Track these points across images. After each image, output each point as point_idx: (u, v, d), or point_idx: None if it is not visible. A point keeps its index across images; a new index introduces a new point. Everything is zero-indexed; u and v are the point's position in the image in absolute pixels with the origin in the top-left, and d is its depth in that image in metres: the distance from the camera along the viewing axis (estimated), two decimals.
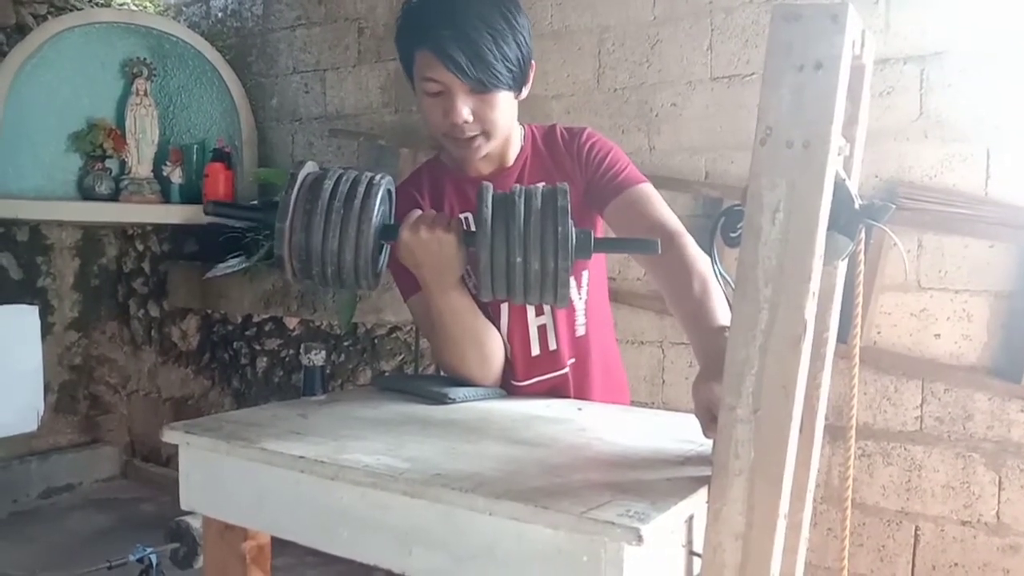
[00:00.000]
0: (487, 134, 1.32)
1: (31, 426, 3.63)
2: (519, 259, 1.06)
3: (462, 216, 1.39)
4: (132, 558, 2.45)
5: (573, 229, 1.07)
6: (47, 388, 3.74)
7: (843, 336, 1.05)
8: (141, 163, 3.56)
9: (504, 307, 1.38)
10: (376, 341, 3.25)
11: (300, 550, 1.07)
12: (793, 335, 0.79)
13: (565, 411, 1.28)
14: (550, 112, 2.81)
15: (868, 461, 2.30)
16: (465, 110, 1.28)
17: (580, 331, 1.43)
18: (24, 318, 3.58)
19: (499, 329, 1.38)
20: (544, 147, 1.43)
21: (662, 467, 0.97)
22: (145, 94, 3.57)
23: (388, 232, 1.18)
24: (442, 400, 1.29)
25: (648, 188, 1.36)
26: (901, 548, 2.27)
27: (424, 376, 2.21)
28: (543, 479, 0.90)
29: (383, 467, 0.93)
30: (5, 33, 3.57)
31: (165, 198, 3.58)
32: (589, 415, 1.26)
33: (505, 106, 1.31)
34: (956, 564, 2.19)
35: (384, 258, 1.23)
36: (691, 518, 0.90)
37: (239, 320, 3.65)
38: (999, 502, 2.14)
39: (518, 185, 1.14)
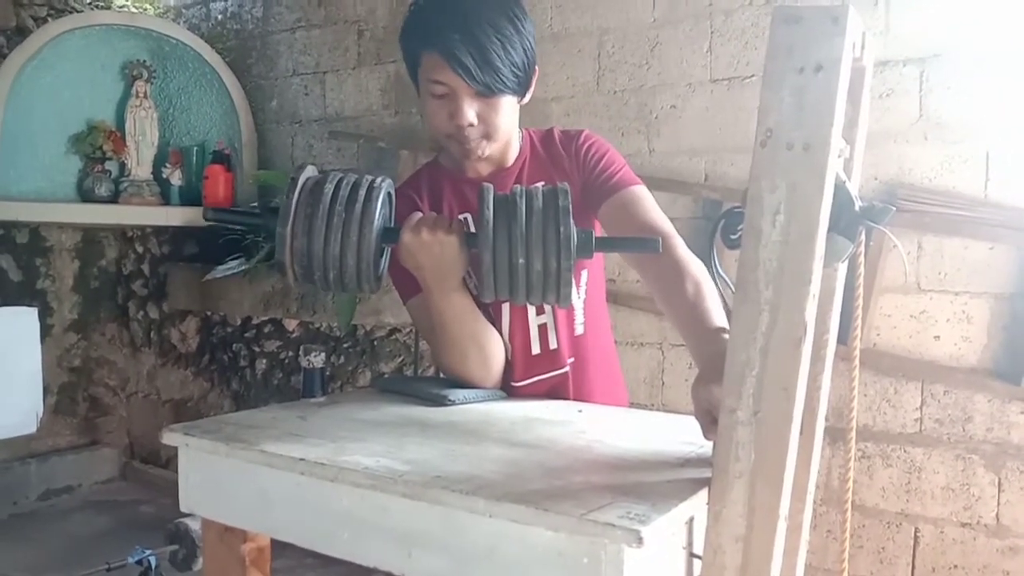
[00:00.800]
0: (490, 137, 1.32)
1: (30, 428, 3.63)
2: (521, 260, 1.06)
3: (461, 217, 1.40)
4: (131, 560, 2.45)
5: (574, 228, 1.08)
6: (46, 390, 3.74)
7: (843, 338, 1.05)
8: (141, 165, 3.56)
9: (505, 307, 1.38)
10: (375, 343, 3.25)
11: (300, 552, 1.07)
12: (793, 337, 0.79)
13: (565, 413, 1.28)
14: (550, 114, 2.81)
15: (868, 463, 2.30)
16: (470, 113, 1.28)
17: (579, 330, 1.43)
18: (23, 320, 3.58)
19: (500, 328, 1.38)
20: (542, 149, 1.43)
21: (662, 469, 0.97)
22: (145, 96, 3.57)
23: (389, 235, 1.18)
24: (442, 402, 1.29)
25: (641, 190, 1.36)
26: (901, 550, 2.27)
27: (424, 378, 2.21)
28: (543, 481, 0.90)
29: (383, 469, 0.93)
30: (5, 35, 3.57)
31: (165, 200, 3.58)
32: (589, 417, 1.26)
33: (508, 110, 1.32)
34: (956, 566, 2.19)
35: (385, 261, 1.22)
36: (691, 520, 0.90)
37: (238, 322, 3.65)
38: (999, 504, 2.14)
39: (518, 185, 1.14)
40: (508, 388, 1.41)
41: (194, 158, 3.65)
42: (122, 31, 3.55)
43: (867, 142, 1.07)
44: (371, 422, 1.19)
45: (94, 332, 3.98)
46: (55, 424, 3.83)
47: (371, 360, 3.26)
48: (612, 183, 1.36)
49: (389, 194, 1.20)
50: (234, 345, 3.69)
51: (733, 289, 0.82)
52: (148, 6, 4.06)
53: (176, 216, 3.55)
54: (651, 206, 1.34)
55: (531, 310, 1.39)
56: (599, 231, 1.43)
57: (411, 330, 3.12)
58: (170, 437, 1.12)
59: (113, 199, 3.51)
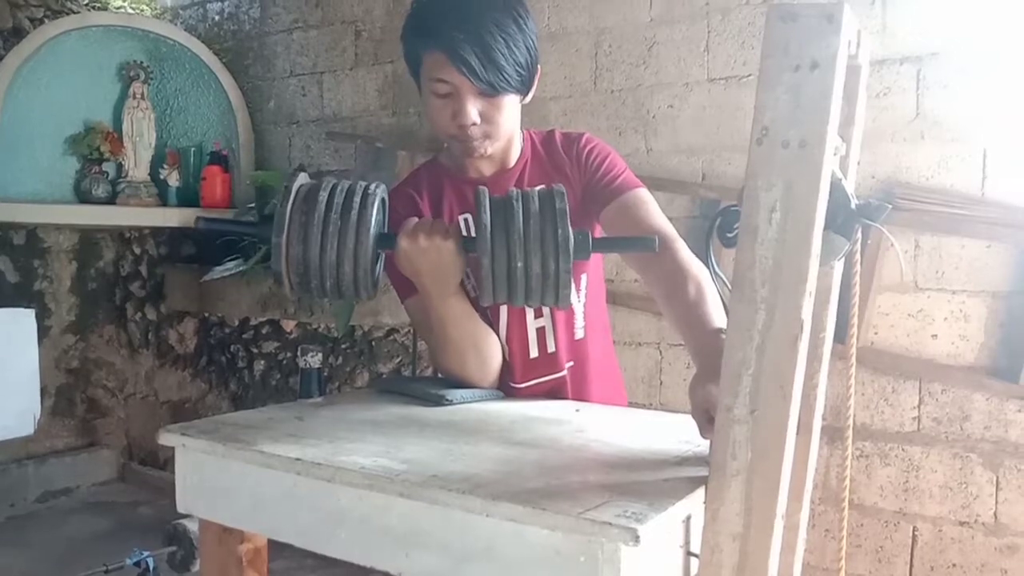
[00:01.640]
0: (493, 136, 1.32)
1: (28, 430, 3.62)
2: (520, 263, 1.06)
3: (461, 217, 1.39)
4: (129, 561, 2.45)
5: (572, 230, 1.07)
6: (44, 392, 3.73)
7: (841, 336, 1.06)
8: (138, 166, 3.56)
9: (503, 310, 1.38)
10: (373, 343, 3.25)
11: (297, 553, 1.07)
12: (790, 335, 0.79)
13: (563, 412, 1.28)
14: (547, 114, 2.81)
15: (866, 462, 2.31)
16: (473, 112, 1.28)
17: (579, 334, 1.43)
18: (21, 321, 3.57)
19: (498, 332, 1.38)
20: (543, 151, 1.43)
21: (659, 468, 0.96)
22: (142, 97, 3.57)
23: (386, 241, 1.17)
24: (439, 402, 1.29)
25: (643, 193, 1.36)
26: (899, 549, 2.27)
27: (422, 378, 2.21)
28: (540, 480, 0.90)
29: (380, 469, 0.93)
30: (2, 37, 3.57)
31: (162, 201, 3.57)
32: (587, 416, 1.26)
33: (511, 109, 1.31)
34: (954, 564, 2.19)
35: (381, 267, 1.22)
36: (688, 519, 0.90)
37: (236, 323, 3.65)
38: (997, 502, 2.14)
39: (515, 188, 1.14)
40: (507, 390, 1.41)
41: (191, 159, 3.65)
42: (119, 32, 3.55)
43: (864, 141, 1.07)
44: (369, 422, 1.19)
45: (92, 333, 3.97)
46: (53, 426, 3.83)
47: (369, 361, 3.26)
48: (614, 187, 1.36)
49: (384, 200, 1.19)
50: (232, 346, 3.69)
51: (730, 288, 0.82)
52: (145, 7, 4.05)
53: (174, 217, 3.54)
54: (653, 209, 1.34)
55: (529, 314, 1.39)
56: (601, 234, 1.43)
57: (409, 330, 3.12)
58: (167, 438, 1.11)
59: (110, 200, 3.50)
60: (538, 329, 1.40)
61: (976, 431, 2.17)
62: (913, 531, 2.25)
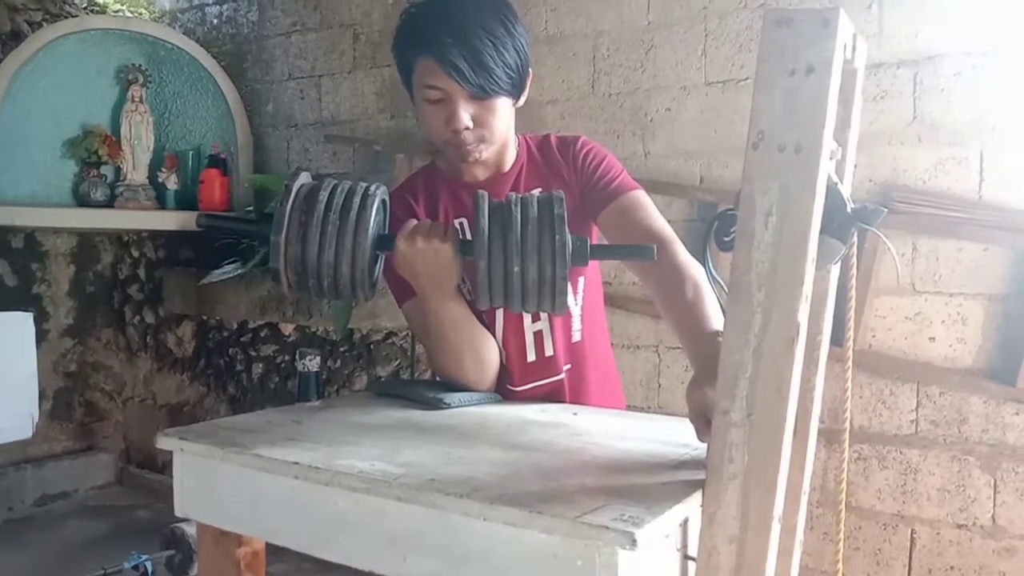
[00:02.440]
0: (487, 140, 1.32)
1: (26, 433, 3.61)
2: (517, 268, 1.06)
3: (456, 221, 1.40)
4: (127, 565, 2.45)
5: (570, 236, 1.08)
6: (42, 395, 3.72)
7: (837, 339, 1.06)
8: (136, 169, 3.55)
9: (499, 313, 1.38)
10: (372, 347, 3.25)
11: (295, 556, 1.07)
12: (786, 338, 0.79)
13: (560, 416, 1.28)
14: (545, 117, 2.81)
15: (864, 465, 2.31)
16: (466, 116, 1.28)
17: (576, 337, 1.43)
18: (19, 325, 3.57)
19: (494, 335, 1.38)
20: (539, 155, 1.43)
21: (657, 471, 0.97)
22: (140, 100, 3.57)
23: (384, 242, 1.18)
24: (437, 405, 1.29)
25: (641, 195, 1.36)
26: (897, 551, 2.27)
27: (419, 381, 2.21)
28: (538, 484, 0.90)
29: (378, 473, 0.93)
30: (0, 40, 3.57)
31: (160, 204, 3.57)
32: (584, 420, 1.26)
33: (504, 112, 1.32)
34: (952, 567, 2.19)
35: (379, 268, 1.22)
36: (686, 522, 0.90)
37: (234, 326, 3.65)
38: (995, 505, 2.14)
39: (513, 193, 1.14)
40: (505, 393, 1.41)
41: (190, 162, 3.65)
42: (117, 36, 3.55)
43: (861, 144, 1.07)
44: (366, 426, 1.19)
45: (90, 337, 3.97)
46: (51, 429, 3.82)
47: (367, 364, 3.26)
48: (611, 189, 1.36)
49: (384, 201, 1.19)
50: (230, 349, 3.69)
51: (727, 291, 0.82)
52: (143, 10, 4.06)
53: (172, 220, 3.54)
54: (651, 211, 1.34)
55: (527, 317, 1.39)
56: (598, 237, 1.43)
57: (407, 334, 3.12)
58: (165, 442, 1.11)
59: (109, 203, 3.50)
60: (535, 332, 1.40)
61: (974, 434, 2.17)
62: (911, 534, 2.25)
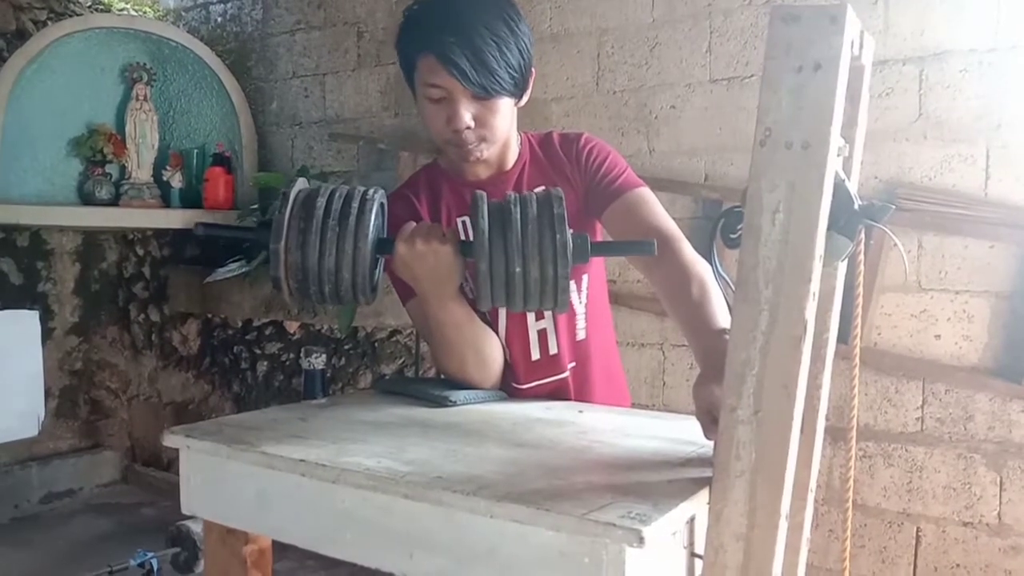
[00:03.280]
0: (488, 139, 1.32)
1: (32, 431, 3.63)
2: (518, 268, 1.06)
3: (459, 220, 1.39)
4: (133, 563, 2.46)
5: (570, 234, 1.07)
6: (48, 393, 3.74)
7: (844, 337, 1.05)
8: (141, 168, 3.56)
9: (502, 312, 1.38)
10: (376, 345, 3.25)
11: (301, 554, 1.07)
12: (793, 336, 0.79)
13: (566, 414, 1.28)
14: (549, 115, 2.81)
15: (869, 462, 2.30)
16: (467, 116, 1.28)
17: (581, 335, 1.42)
18: (25, 323, 3.58)
19: (498, 334, 1.38)
20: (542, 153, 1.43)
21: (663, 469, 0.97)
22: (145, 99, 3.57)
23: (384, 246, 1.17)
24: (443, 403, 1.29)
25: (645, 192, 1.36)
26: (903, 549, 2.27)
27: (425, 379, 2.21)
28: (544, 481, 0.90)
29: (384, 470, 0.93)
30: (5, 39, 3.58)
31: (165, 203, 3.58)
32: (590, 417, 1.26)
33: (506, 112, 1.31)
34: (958, 565, 2.19)
35: (380, 272, 1.22)
36: (693, 519, 0.90)
37: (239, 324, 3.66)
38: (1000, 503, 2.14)
39: (513, 193, 1.14)
40: (510, 390, 1.41)
41: (194, 160, 3.65)
42: (122, 34, 3.55)
43: (867, 141, 1.07)
44: (372, 423, 1.19)
45: (95, 335, 3.98)
46: (56, 427, 3.83)
47: (372, 362, 3.26)
48: (615, 187, 1.36)
49: (382, 205, 1.19)
50: (235, 347, 3.69)
51: (733, 288, 0.82)
52: (148, 9, 4.06)
53: (176, 219, 3.55)
54: (656, 208, 1.34)
55: (530, 316, 1.39)
56: (603, 235, 1.43)
57: (412, 332, 3.12)
58: (171, 439, 1.12)
59: (114, 202, 3.51)
60: (539, 331, 1.40)
61: (980, 431, 2.16)
62: (917, 532, 2.25)
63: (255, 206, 3.39)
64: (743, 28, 2.48)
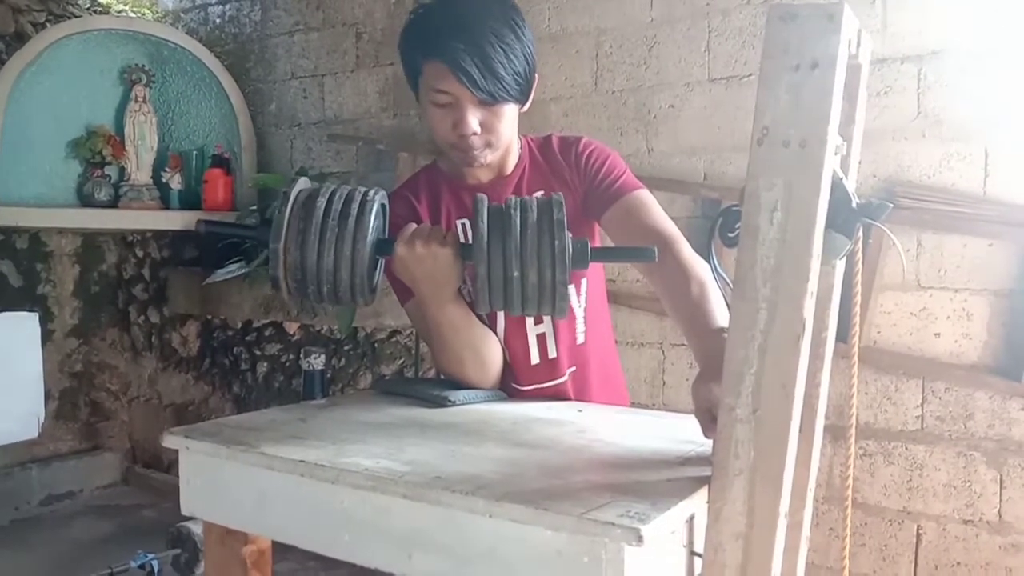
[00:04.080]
0: (492, 145, 1.32)
1: (32, 433, 3.62)
2: (516, 273, 1.06)
3: (459, 222, 1.39)
4: (134, 564, 2.46)
5: (570, 240, 1.07)
6: (48, 395, 3.73)
7: (843, 336, 1.06)
8: (140, 169, 3.56)
9: (500, 316, 1.38)
10: (376, 345, 3.25)
11: (301, 554, 1.07)
12: (792, 334, 0.79)
13: (565, 413, 1.28)
14: (548, 115, 2.81)
15: (869, 461, 2.30)
16: (474, 122, 1.28)
17: (580, 339, 1.42)
18: (24, 325, 3.58)
19: (497, 337, 1.38)
20: (541, 157, 1.43)
21: (662, 468, 0.97)
22: (144, 101, 3.57)
23: (383, 247, 1.17)
24: (442, 403, 1.29)
25: (644, 194, 1.36)
26: (903, 547, 2.27)
27: (424, 379, 2.21)
28: (543, 481, 0.90)
29: (383, 470, 0.93)
30: (4, 41, 3.58)
31: (164, 204, 3.58)
32: (589, 417, 1.26)
33: (511, 118, 1.32)
34: (958, 563, 2.19)
35: (379, 273, 1.22)
36: (692, 518, 0.90)
37: (239, 325, 3.66)
38: (1001, 501, 2.14)
39: (513, 196, 1.14)
40: (509, 391, 1.41)
41: (193, 162, 3.65)
42: (120, 36, 3.55)
43: (866, 140, 1.07)
44: (371, 424, 1.19)
45: (95, 337, 3.98)
46: (57, 429, 3.83)
47: (372, 362, 3.26)
48: (615, 189, 1.36)
49: (383, 206, 1.19)
50: (235, 349, 3.69)
51: (732, 287, 0.82)
52: (146, 11, 4.06)
53: (176, 220, 3.55)
54: (655, 210, 1.34)
55: (529, 320, 1.38)
56: (602, 238, 1.43)
57: (411, 332, 3.12)
58: (171, 440, 1.12)
59: (113, 204, 3.51)
60: (539, 335, 1.40)
61: (979, 429, 2.16)
62: (917, 530, 2.25)
63: (254, 207, 3.40)
64: (741, 27, 2.48)
